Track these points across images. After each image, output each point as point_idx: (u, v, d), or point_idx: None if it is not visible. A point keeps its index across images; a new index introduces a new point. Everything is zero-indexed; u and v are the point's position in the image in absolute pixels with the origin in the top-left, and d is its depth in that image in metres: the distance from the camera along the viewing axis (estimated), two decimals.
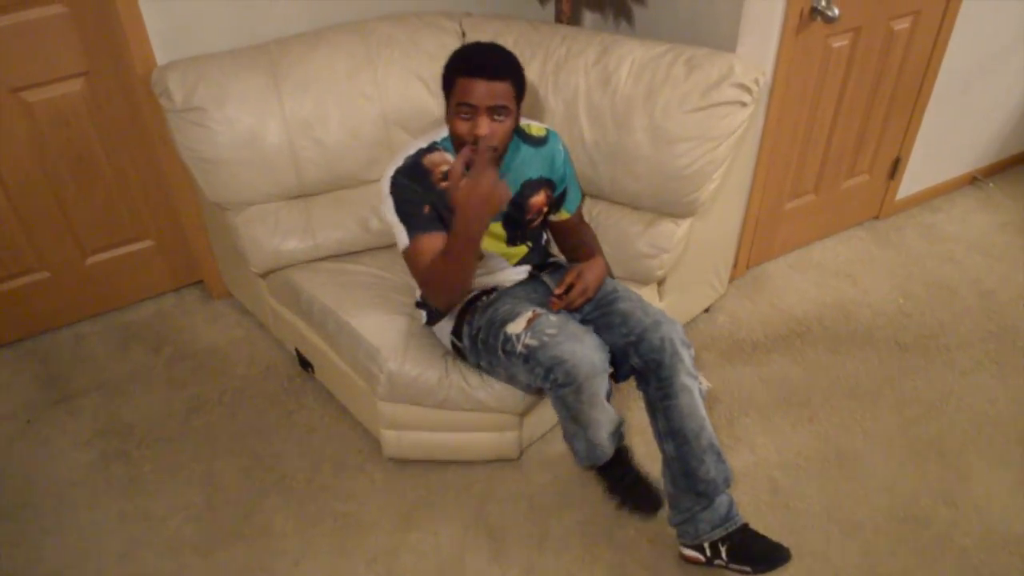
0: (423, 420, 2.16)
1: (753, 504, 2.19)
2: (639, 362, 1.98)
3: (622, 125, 2.21)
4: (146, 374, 2.62)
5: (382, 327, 2.15)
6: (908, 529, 2.13)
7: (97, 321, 2.84)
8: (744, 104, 2.16)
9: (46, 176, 2.51)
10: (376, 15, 2.54)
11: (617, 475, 2.20)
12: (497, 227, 2.08)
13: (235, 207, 2.33)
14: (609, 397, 1.98)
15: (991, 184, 3.56)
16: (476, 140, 1.83)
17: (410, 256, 1.95)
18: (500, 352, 1.96)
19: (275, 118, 2.24)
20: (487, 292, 2.13)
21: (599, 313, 2.06)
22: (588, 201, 2.42)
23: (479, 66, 1.82)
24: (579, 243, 2.25)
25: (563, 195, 2.16)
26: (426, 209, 1.93)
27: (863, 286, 2.99)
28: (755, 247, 2.95)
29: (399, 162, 1.96)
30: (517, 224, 2.10)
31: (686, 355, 1.97)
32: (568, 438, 2.07)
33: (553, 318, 1.92)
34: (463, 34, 2.47)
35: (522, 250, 2.16)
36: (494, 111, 1.84)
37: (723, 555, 1.95)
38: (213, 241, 2.74)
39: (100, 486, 2.27)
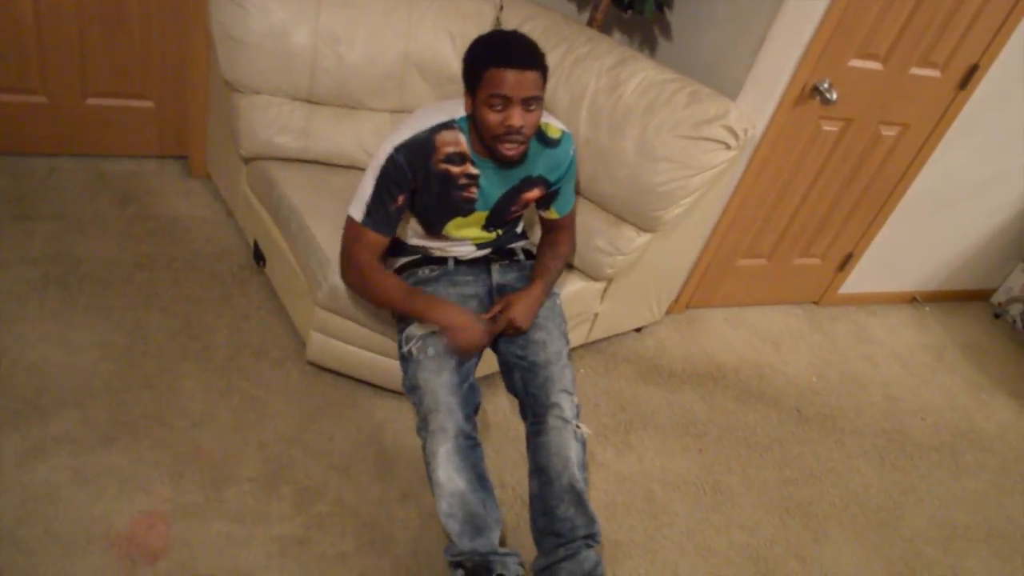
0: (351, 334, 2.27)
1: (626, 505, 2.33)
2: (519, 389, 2.05)
3: (616, 131, 2.37)
4: (106, 221, 2.71)
5: (338, 240, 2.25)
6: (756, 570, 2.28)
7: (76, 160, 2.92)
8: (728, 147, 2.34)
9: (78, 7, 2.60)
10: None
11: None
12: (481, 216, 2.10)
13: (244, 90, 2.44)
14: (479, 478, 1.90)
15: (928, 308, 3.80)
16: (508, 131, 1.83)
17: (349, 230, 2.00)
18: (400, 334, 2.05)
19: (308, 21, 2.37)
20: (433, 262, 2.18)
21: (526, 360, 2.08)
22: None
23: (511, 56, 1.80)
24: (548, 249, 2.23)
25: (556, 195, 2.17)
26: (400, 200, 1.95)
27: (784, 356, 3.18)
28: (699, 290, 3.13)
29: (406, 134, 1.92)
30: (501, 214, 2.13)
31: (565, 402, 1.98)
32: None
33: (442, 346, 1.95)
34: (500, 7, 2.63)
35: (492, 235, 2.20)
36: (527, 102, 1.82)
37: None
38: (209, 119, 2.85)
39: (33, 303, 2.34)
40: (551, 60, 2.47)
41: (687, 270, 3.00)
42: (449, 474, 1.85)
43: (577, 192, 2.35)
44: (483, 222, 2.13)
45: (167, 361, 2.31)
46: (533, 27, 2.55)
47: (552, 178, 2.13)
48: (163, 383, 2.24)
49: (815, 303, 3.54)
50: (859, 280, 3.52)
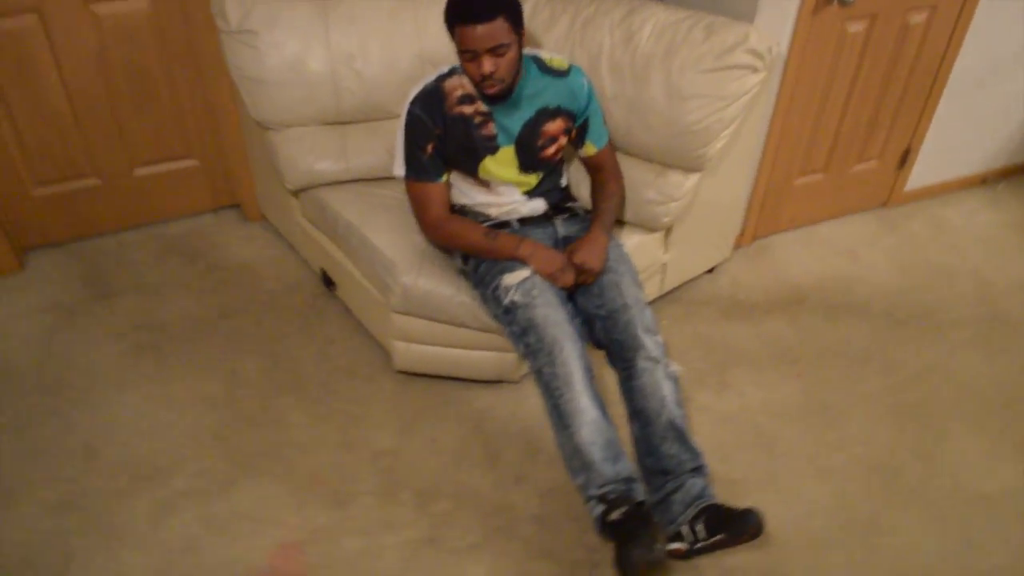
0: (432, 334, 2.32)
1: (736, 443, 2.32)
2: (604, 338, 2.11)
3: (640, 80, 2.36)
4: (181, 281, 2.82)
5: (400, 244, 2.32)
6: (880, 478, 2.25)
7: (139, 231, 3.05)
8: (756, 70, 2.30)
9: (107, 87, 2.71)
10: None
11: (625, 537, 1.78)
12: (509, 152, 2.20)
13: (276, 127, 2.51)
14: (599, 403, 1.93)
15: (1001, 186, 3.67)
16: (483, 77, 2.00)
17: (408, 190, 2.21)
18: (491, 294, 2.12)
19: (320, 46, 2.42)
20: (501, 225, 2.27)
21: (605, 310, 2.13)
22: None
23: (470, 13, 1.93)
24: (597, 193, 2.32)
25: (585, 128, 2.26)
26: (429, 149, 2.14)
27: (864, 264, 3.11)
28: (762, 218, 3.09)
29: (418, 88, 2.14)
30: (529, 150, 2.21)
31: (648, 341, 2.03)
32: (568, 467, 1.93)
33: (539, 280, 2.06)
34: None
35: (533, 179, 2.28)
36: (493, 50, 1.96)
37: (701, 532, 1.89)
38: (252, 163, 2.94)
39: (131, 373, 2.45)
40: (560, 28, 2.50)
41: (745, 201, 2.96)
42: (587, 402, 1.91)
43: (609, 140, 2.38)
44: (515, 162, 2.23)
45: (267, 399, 2.39)
46: (538, 0, 2.56)
47: (573, 108, 2.23)
48: (267, 420, 2.33)
49: (883, 206, 3.45)
50: (923, 174, 3.42)
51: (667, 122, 2.34)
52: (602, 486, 1.86)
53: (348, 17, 2.45)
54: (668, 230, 2.57)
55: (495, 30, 1.94)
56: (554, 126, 2.21)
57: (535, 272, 2.07)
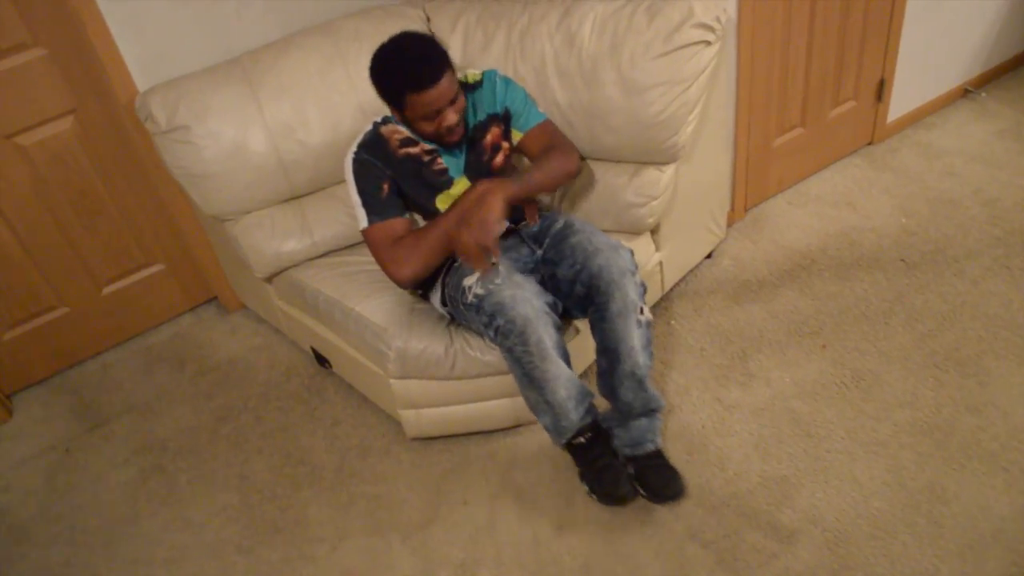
0: (438, 395, 2.21)
1: (774, 436, 2.20)
2: (581, 289, 2.05)
3: (592, 82, 2.24)
4: (173, 392, 2.71)
5: (385, 308, 2.21)
6: (933, 441, 2.13)
7: (120, 349, 2.94)
8: (708, 43, 2.17)
9: (52, 215, 2.61)
10: (341, 14, 2.59)
11: (587, 458, 2.11)
12: (463, 181, 2.13)
13: (231, 217, 2.40)
14: (567, 359, 2.02)
15: (983, 94, 3.52)
16: (449, 129, 1.98)
17: (369, 240, 2.08)
18: (461, 305, 2.05)
19: (257, 126, 2.31)
20: None
21: (553, 252, 2.13)
22: None
23: (423, 78, 1.90)
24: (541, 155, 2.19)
25: (507, 119, 2.20)
26: (385, 188, 2.06)
27: (864, 212, 2.98)
28: (750, 188, 2.96)
29: (357, 141, 2.09)
30: (478, 169, 2.16)
31: (627, 282, 2.00)
32: (534, 410, 2.08)
33: (502, 269, 2.00)
34: (428, 19, 2.52)
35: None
36: (453, 102, 1.96)
37: (632, 473, 2.09)
38: (219, 255, 2.83)
39: (141, 501, 2.35)
40: (497, 45, 2.39)
41: (729, 175, 2.83)
42: (560, 366, 1.98)
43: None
44: (469, 183, 2.14)
45: (283, 498, 2.28)
46: (467, 22, 2.43)
47: (495, 110, 2.18)
48: (288, 520, 2.22)
49: (870, 143, 3.31)
50: (903, 101, 3.27)
51: (630, 119, 2.23)
52: (577, 432, 2.06)
53: (278, 89, 2.33)
54: (656, 229, 2.45)
55: (447, 85, 1.93)
56: (491, 135, 2.18)
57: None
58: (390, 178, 2.07)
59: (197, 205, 2.40)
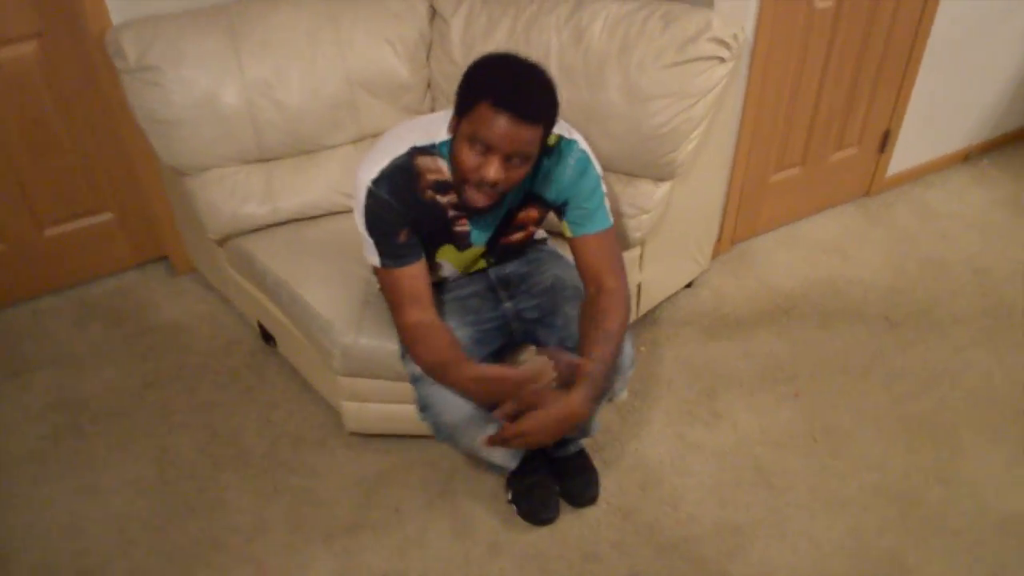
0: (385, 392, 2.04)
1: (734, 482, 2.08)
2: (543, 337, 1.86)
3: (595, 83, 2.11)
4: (104, 350, 2.52)
5: (335, 298, 2.03)
6: (898, 508, 2.01)
7: (56, 296, 2.74)
8: (722, 60, 2.06)
9: (1, 143, 2.42)
10: None
11: (520, 470, 2.03)
12: (478, 250, 1.85)
13: (192, 171, 2.23)
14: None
15: (985, 161, 3.45)
16: (481, 180, 1.53)
17: (382, 281, 1.75)
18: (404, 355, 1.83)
19: (233, 78, 2.14)
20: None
21: (536, 311, 1.88)
22: None
23: (513, 101, 1.47)
24: (588, 318, 1.72)
25: (563, 210, 1.76)
26: (402, 236, 1.67)
27: (853, 262, 2.88)
28: (740, 221, 2.85)
29: (382, 162, 1.63)
30: (505, 247, 1.88)
31: (617, 382, 1.78)
32: None
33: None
34: None
35: (482, 264, 1.95)
36: (511, 157, 1.51)
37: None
38: (175, 212, 2.64)
39: (51, 460, 2.17)
40: (501, 32, 2.25)
41: (720, 204, 2.71)
42: (495, 451, 1.85)
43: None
44: (477, 256, 1.89)
45: (203, 478, 2.11)
46: (472, 3, 2.28)
47: (550, 196, 1.75)
48: (205, 503, 2.05)
49: (866, 195, 3.22)
50: (905, 156, 3.19)
51: (630, 127, 2.10)
52: (508, 469, 2.01)
53: (261, 43, 2.16)
54: (641, 246, 2.32)
55: (529, 136, 1.50)
56: (525, 214, 1.81)
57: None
58: (408, 223, 1.67)
59: (158, 154, 2.22)
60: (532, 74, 1.54)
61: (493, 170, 1.51)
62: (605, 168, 2.20)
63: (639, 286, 2.40)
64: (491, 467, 2.04)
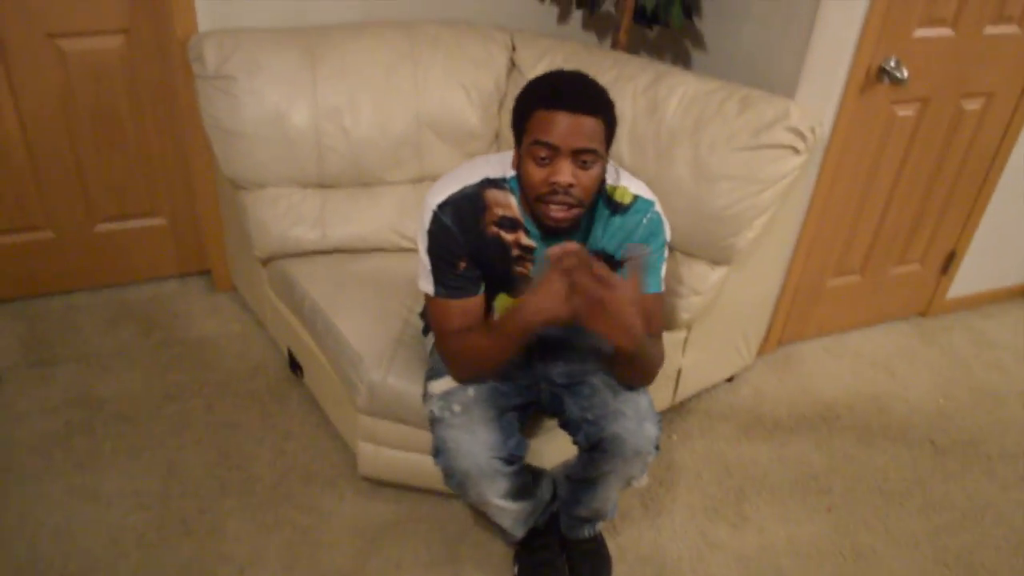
0: (404, 439, 1.97)
1: None
2: (583, 439, 1.71)
3: (664, 156, 2.08)
4: (130, 354, 2.49)
5: (370, 333, 1.98)
6: None
7: (93, 294, 2.73)
8: (797, 151, 2.02)
9: (70, 132, 2.44)
10: (426, 17, 2.47)
11: (531, 545, 1.94)
12: None
13: (249, 186, 2.22)
14: (524, 492, 1.77)
15: None
16: (553, 190, 1.48)
17: (432, 312, 1.71)
18: (425, 396, 1.77)
19: (305, 99, 2.15)
20: None
21: (570, 380, 1.77)
22: None
23: (563, 96, 1.47)
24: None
25: (621, 266, 1.69)
26: (462, 266, 1.63)
27: (902, 381, 2.77)
28: (790, 322, 2.76)
29: (452, 188, 1.61)
30: None
31: (636, 462, 1.68)
32: None
33: (471, 392, 1.67)
34: (513, 47, 2.39)
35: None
36: (579, 154, 1.47)
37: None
38: (225, 227, 2.64)
39: (56, 457, 2.11)
40: None
41: (773, 301, 2.64)
42: (506, 507, 1.74)
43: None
44: None
45: (206, 500, 2.04)
46: (552, 60, 2.28)
47: (614, 250, 1.68)
48: (203, 526, 1.97)
49: (922, 315, 3.12)
50: (966, 281, 3.10)
51: (693, 205, 2.05)
52: (517, 537, 1.89)
53: (339, 69, 2.18)
54: (687, 330, 2.25)
55: (590, 129, 1.46)
56: None
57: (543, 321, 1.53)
58: (469, 254, 1.64)
59: (219, 164, 2.23)
60: (576, 74, 1.54)
61: (566, 172, 1.47)
62: None
63: (679, 371, 2.32)
64: (498, 530, 1.91)
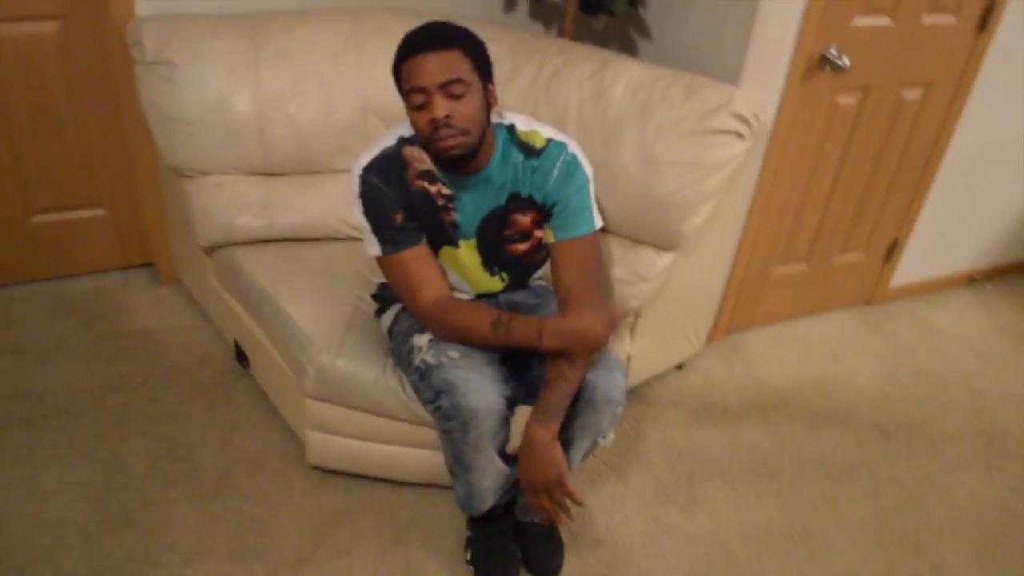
0: (353, 425, 1.95)
1: (706, 571, 1.96)
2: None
3: (611, 143, 2.09)
4: (70, 346, 2.43)
5: (319, 317, 1.97)
6: None
7: (33, 286, 2.67)
8: (741, 136, 2.04)
9: (3, 120, 2.38)
10: (373, 3, 2.46)
11: (485, 531, 1.92)
12: (471, 246, 1.80)
13: (192, 173, 2.19)
14: (505, 454, 1.80)
15: (989, 286, 3.43)
16: (435, 127, 1.55)
17: (386, 270, 1.77)
18: (406, 357, 1.78)
19: (248, 86, 2.13)
20: None
21: None
22: None
23: (417, 41, 1.55)
24: (561, 296, 1.72)
25: (550, 214, 1.74)
26: (399, 219, 1.71)
27: (848, 367, 2.82)
28: (737, 310, 2.80)
29: (373, 152, 1.71)
30: (494, 245, 1.81)
31: (606, 411, 1.70)
32: (451, 475, 1.82)
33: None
34: None
35: (496, 283, 1.90)
36: (447, 87, 1.54)
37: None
38: (168, 217, 2.59)
39: None
40: (524, 79, 2.23)
41: (721, 289, 2.67)
42: (493, 460, 1.76)
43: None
44: (477, 259, 1.82)
45: (150, 492, 2.00)
46: (498, 48, 2.28)
47: (538, 198, 1.74)
48: (147, 518, 1.93)
49: (867, 303, 3.18)
50: (909, 269, 3.17)
51: (640, 191, 2.06)
52: (481, 508, 1.85)
53: (283, 54, 2.16)
54: (635, 316, 2.26)
55: (449, 61, 1.54)
56: (523, 219, 1.78)
57: None
58: (402, 207, 1.72)
59: (160, 152, 2.18)
60: (431, 22, 1.61)
61: (440, 107, 1.54)
62: (611, 230, 2.19)
63: (628, 357, 2.33)
64: (461, 500, 1.85)
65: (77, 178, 2.55)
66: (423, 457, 1.99)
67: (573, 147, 1.74)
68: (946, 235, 3.15)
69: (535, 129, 1.73)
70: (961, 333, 3.10)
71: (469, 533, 1.95)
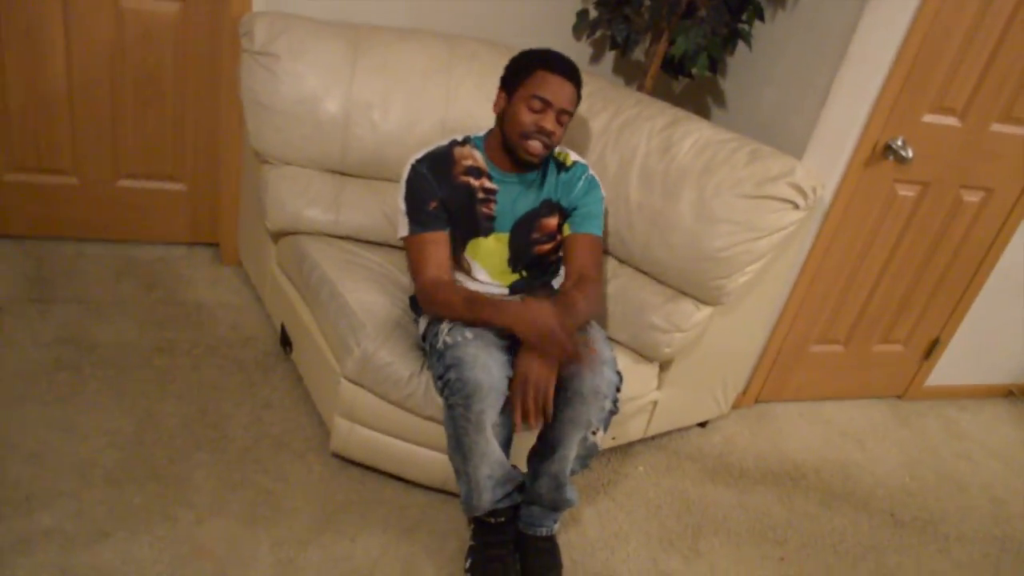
0: (379, 418, 2.03)
1: None
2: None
3: (670, 193, 2.17)
4: (128, 305, 2.56)
5: (373, 308, 2.07)
6: None
7: (104, 245, 2.82)
8: (796, 206, 2.11)
9: (112, 86, 2.56)
10: (469, 33, 2.60)
11: (486, 540, 1.99)
12: (503, 239, 2.06)
13: (273, 160, 2.32)
14: (508, 446, 1.91)
15: None
16: (539, 130, 1.90)
17: (409, 248, 2.03)
18: (431, 347, 1.92)
19: (341, 88, 2.26)
20: None
21: None
22: (613, 264, 2.36)
23: (561, 66, 1.91)
24: (574, 275, 2.02)
25: (568, 216, 2.08)
26: (432, 205, 1.98)
27: (871, 454, 2.82)
28: (769, 381, 2.82)
29: (429, 149, 2.02)
30: (522, 242, 2.07)
31: (593, 402, 1.81)
32: (456, 474, 1.91)
33: (480, 329, 1.87)
34: None
35: (516, 278, 2.13)
36: (561, 114, 1.92)
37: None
38: (242, 200, 2.73)
39: (41, 387, 2.17)
40: (598, 124, 2.35)
41: (755, 356, 2.71)
42: (491, 444, 1.84)
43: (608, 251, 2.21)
44: (505, 252, 2.08)
45: (178, 450, 2.09)
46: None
47: (565, 203, 2.09)
48: (171, 474, 2.01)
49: (899, 397, 3.18)
50: (948, 371, 3.17)
51: (690, 243, 2.13)
52: (480, 508, 1.93)
53: (379, 65, 2.30)
54: (666, 365, 2.31)
55: (573, 95, 1.94)
56: (550, 220, 2.09)
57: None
58: (440, 198, 1.99)
59: (248, 135, 2.32)
60: (564, 55, 1.96)
61: (551, 121, 1.92)
62: (657, 277, 2.26)
63: (655, 403, 2.38)
64: (463, 501, 1.93)
65: (166, 151, 2.72)
66: (438, 460, 2.05)
67: (591, 171, 2.12)
68: (989, 344, 3.15)
69: (566, 151, 2.13)
70: (990, 442, 3.08)
71: (471, 541, 2.00)
